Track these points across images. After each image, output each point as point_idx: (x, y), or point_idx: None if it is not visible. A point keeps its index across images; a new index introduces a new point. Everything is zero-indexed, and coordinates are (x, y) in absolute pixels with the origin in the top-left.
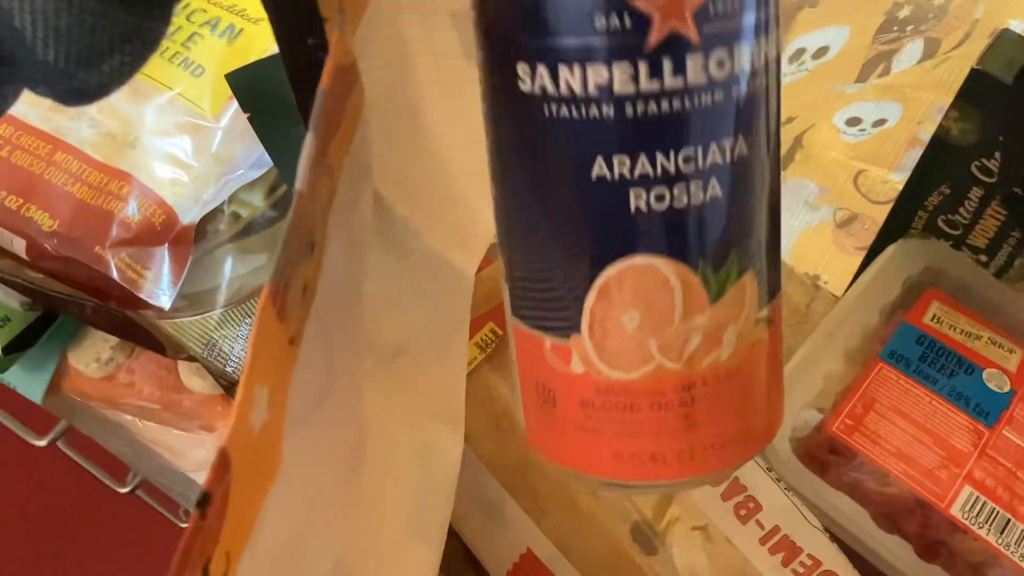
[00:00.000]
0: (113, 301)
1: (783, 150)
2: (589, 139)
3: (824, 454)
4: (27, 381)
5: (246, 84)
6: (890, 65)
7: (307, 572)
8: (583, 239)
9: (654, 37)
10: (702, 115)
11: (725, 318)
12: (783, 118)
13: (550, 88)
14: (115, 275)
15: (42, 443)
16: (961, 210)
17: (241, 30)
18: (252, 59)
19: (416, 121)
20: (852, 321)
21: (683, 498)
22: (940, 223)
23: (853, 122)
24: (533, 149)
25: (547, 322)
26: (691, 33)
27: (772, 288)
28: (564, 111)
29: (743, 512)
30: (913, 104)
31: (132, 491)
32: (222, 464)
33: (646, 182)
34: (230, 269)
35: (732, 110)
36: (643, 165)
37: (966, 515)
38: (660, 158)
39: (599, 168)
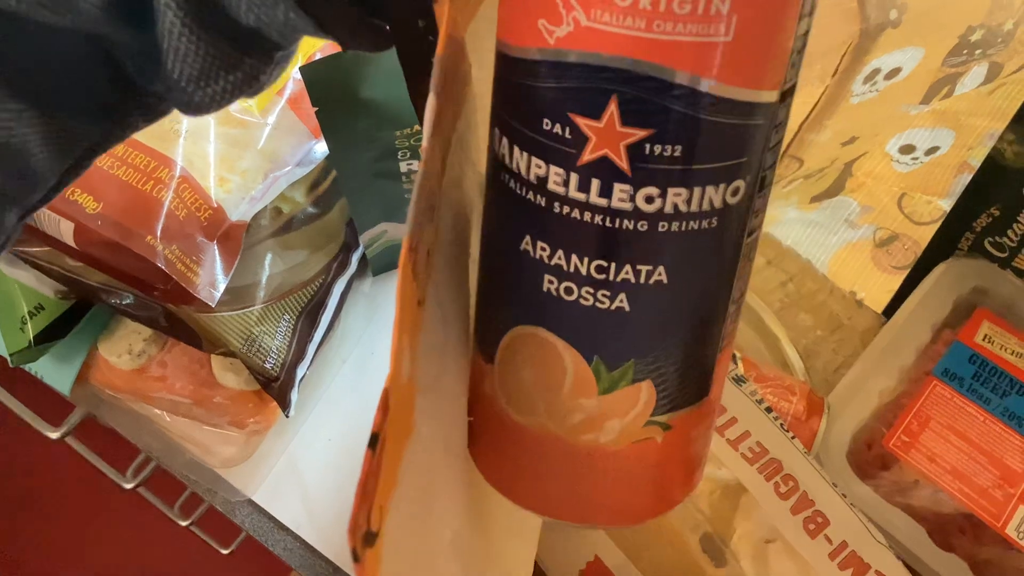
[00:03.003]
0: (157, 293)
1: (834, 175)
2: (523, 216)
3: (876, 470)
4: (56, 372)
5: (318, 79)
6: (954, 88)
7: (432, 538)
8: (505, 294)
9: (587, 155)
10: (621, 237)
11: (610, 411)
12: (846, 137)
13: (507, 159)
14: (164, 267)
15: (56, 435)
16: (1009, 232)
17: None
18: (300, 55)
19: None
20: (904, 338)
21: (753, 511)
22: (987, 245)
23: (907, 150)
24: (490, 203)
25: (481, 344)
26: (622, 164)
27: (682, 399)
28: (512, 183)
29: (812, 527)
30: (966, 131)
31: (136, 487)
32: (384, 406)
33: (559, 273)
34: (270, 265)
35: (656, 242)
36: (559, 258)
37: (1021, 535)
38: (574, 258)
39: (525, 243)
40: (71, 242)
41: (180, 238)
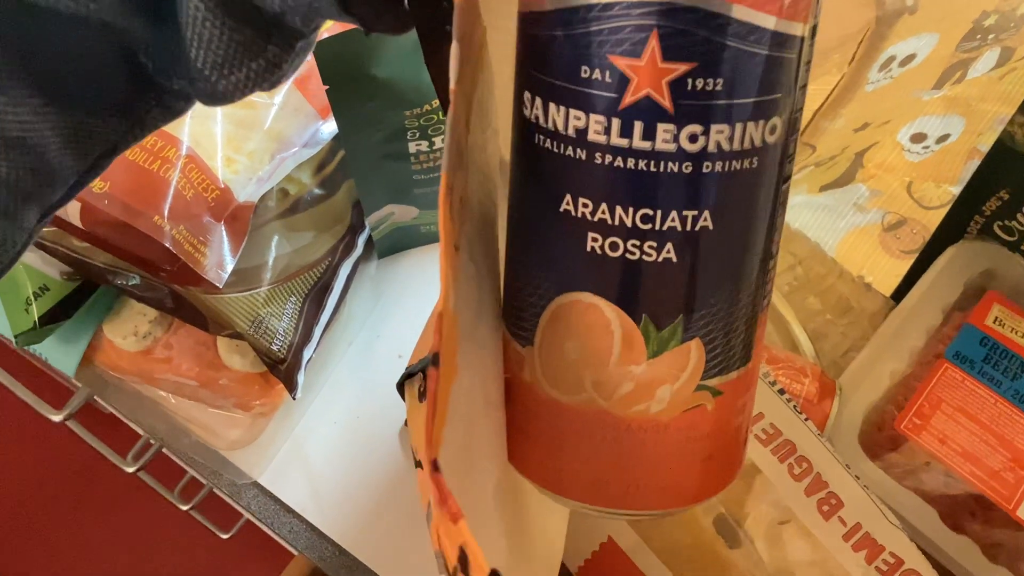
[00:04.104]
0: (164, 274)
1: (845, 165)
2: (562, 175)
3: (886, 452)
4: (61, 353)
5: (329, 56)
6: (966, 73)
7: (476, 485)
8: (545, 263)
9: (628, 98)
10: (666, 181)
11: (661, 376)
12: (858, 124)
13: (541, 119)
14: (172, 247)
15: (58, 418)
16: (1019, 216)
17: None
18: None
19: None
20: (915, 321)
21: (767, 493)
22: (996, 228)
23: (918, 138)
24: (524, 171)
25: (516, 329)
26: (664, 102)
27: (729, 362)
28: (548, 143)
29: (826, 508)
30: (976, 117)
31: (137, 471)
32: (439, 328)
33: (603, 228)
34: (277, 246)
35: (701, 184)
36: (603, 212)
37: None
38: (619, 210)
39: (566, 204)
40: (78, 222)
41: (187, 218)
